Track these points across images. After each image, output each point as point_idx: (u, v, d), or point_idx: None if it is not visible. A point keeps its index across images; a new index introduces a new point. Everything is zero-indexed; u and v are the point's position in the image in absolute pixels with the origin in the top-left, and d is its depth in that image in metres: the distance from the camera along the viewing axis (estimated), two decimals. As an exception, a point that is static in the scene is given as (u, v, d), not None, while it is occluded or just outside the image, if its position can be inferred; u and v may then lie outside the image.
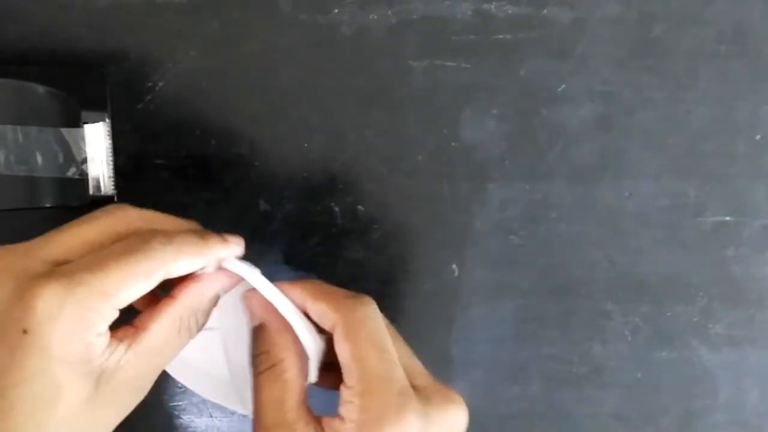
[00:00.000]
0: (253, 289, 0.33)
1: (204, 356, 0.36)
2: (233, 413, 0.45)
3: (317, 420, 0.31)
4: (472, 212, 0.44)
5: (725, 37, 0.43)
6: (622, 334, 0.46)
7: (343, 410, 0.30)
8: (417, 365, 0.33)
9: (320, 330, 0.33)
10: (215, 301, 0.33)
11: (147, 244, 0.29)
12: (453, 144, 0.44)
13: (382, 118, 0.43)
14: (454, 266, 0.45)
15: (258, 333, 0.33)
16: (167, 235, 0.30)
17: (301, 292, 0.33)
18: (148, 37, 0.42)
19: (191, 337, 0.32)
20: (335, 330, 0.32)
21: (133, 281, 0.28)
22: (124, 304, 0.29)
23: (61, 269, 0.28)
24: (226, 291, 0.33)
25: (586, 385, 0.46)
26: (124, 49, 0.42)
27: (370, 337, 0.31)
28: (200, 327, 0.32)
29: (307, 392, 0.33)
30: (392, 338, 0.32)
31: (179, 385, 0.44)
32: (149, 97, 0.42)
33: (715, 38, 0.43)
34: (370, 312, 0.32)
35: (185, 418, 0.45)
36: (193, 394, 0.44)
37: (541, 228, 0.44)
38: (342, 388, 0.31)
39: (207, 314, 0.33)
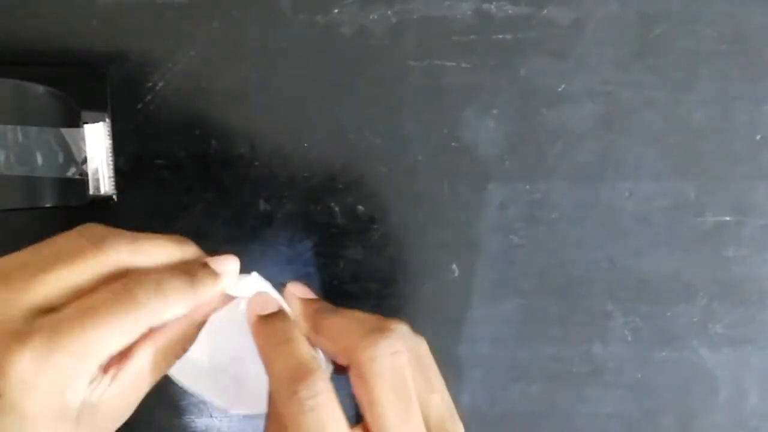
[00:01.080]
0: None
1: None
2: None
3: None
4: (472, 212, 0.44)
5: (725, 37, 0.43)
6: (622, 334, 0.46)
7: None
8: (437, 403, 0.31)
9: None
10: (203, 324, 0.32)
11: (132, 298, 0.28)
12: (453, 144, 0.44)
13: (382, 118, 0.43)
14: (454, 266, 0.45)
15: (274, 315, 0.33)
16: (156, 284, 0.29)
17: (306, 321, 0.32)
18: (148, 37, 0.42)
19: (179, 358, 0.31)
20: (350, 368, 0.30)
21: (115, 339, 0.28)
22: (105, 360, 0.28)
23: (37, 328, 0.27)
24: (216, 311, 0.32)
25: (586, 385, 0.46)
26: (124, 49, 0.42)
27: (385, 379, 0.29)
28: (187, 348, 0.32)
29: None
30: (417, 374, 0.30)
31: (179, 385, 0.44)
32: (149, 97, 0.42)
33: (715, 38, 0.43)
34: (388, 348, 0.29)
35: (185, 418, 0.45)
36: (193, 394, 0.44)
37: (541, 228, 0.44)
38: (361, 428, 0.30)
39: (194, 338, 0.32)
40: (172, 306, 0.29)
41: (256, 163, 0.43)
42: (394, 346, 0.30)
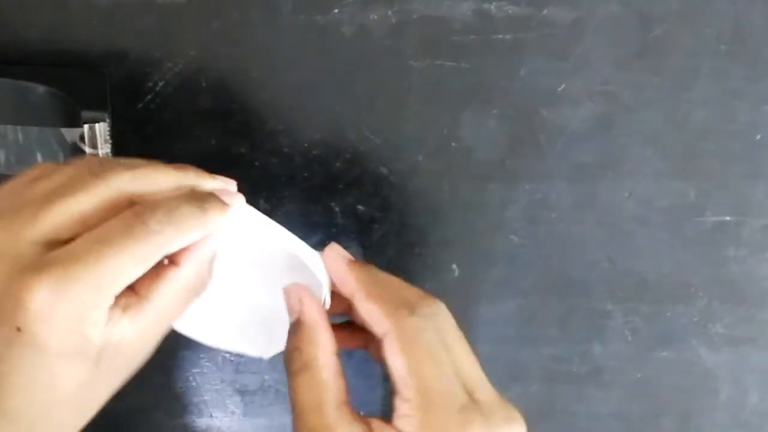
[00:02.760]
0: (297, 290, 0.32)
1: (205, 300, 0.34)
2: (233, 413, 0.45)
3: (363, 420, 0.30)
4: (472, 212, 0.44)
5: (725, 37, 0.43)
6: (622, 334, 0.46)
7: (400, 423, 0.29)
8: (478, 376, 0.31)
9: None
10: (214, 258, 0.31)
11: (144, 226, 0.27)
12: (453, 144, 0.44)
13: (382, 118, 0.43)
14: (454, 266, 0.45)
15: (294, 328, 0.32)
16: (166, 211, 0.28)
17: (355, 283, 0.32)
18: (148, 37, 0.42)
19: (197, 296, 0.31)
20: (387, 338, 0.30)
21: (131, 269, 0.27)
22: (121, 290, 0.27)
23: (52, 260, 0.26)
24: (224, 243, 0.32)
25: (586, 385, 0.46)
26: (124, 49, 0.42)
27: (426, 349, 0.30)
28: (206, 285, 0.31)
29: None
30: (454, 345, 0.31)
31: (179, 386, 0.44)
32: (149, 97, 0.42)
33: (715, 38, 0.43)
34: (428, 323, 0.30)
35: (185, 418, 0.45)
36: (193, 393, 0.44)
37: (541, 228, 0.44)
38: (398, 399, 0.30)
39: (210, 272, 0.31)
40: (184, 232, 0.29)
41: (256, 163, 0.43)
42: (433, 320, 0.31)
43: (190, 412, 0.45)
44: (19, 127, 0.39)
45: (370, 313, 0.31)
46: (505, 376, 0.46)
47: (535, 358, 0.46)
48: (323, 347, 0.31)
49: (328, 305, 0.32)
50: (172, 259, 0.30)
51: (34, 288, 0.26)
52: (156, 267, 0.29)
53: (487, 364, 0.46)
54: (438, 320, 0.31)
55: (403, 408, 0.29)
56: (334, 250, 0.33)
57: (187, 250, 0.30)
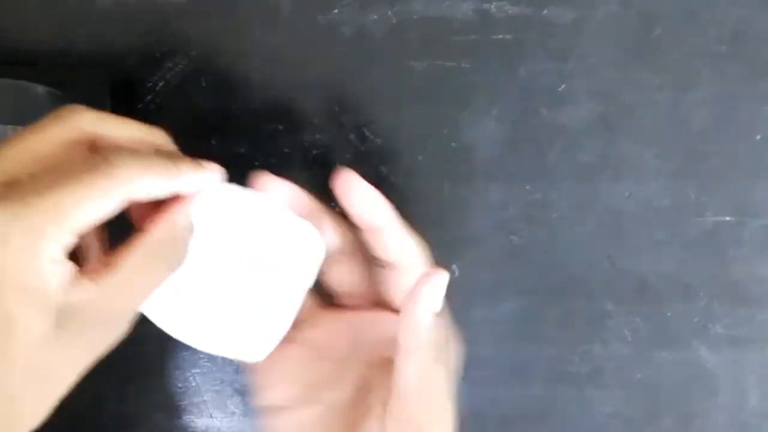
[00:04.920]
0: None
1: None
2: (233, 413, 0.45)
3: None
4: (472, 212, 0.44)
5: (725, 37, 0.43)
6: (622, 334, 0.46)
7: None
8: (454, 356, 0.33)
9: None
10: (191, 228, 0.30)
11: (107, 163, 0.26)
12: (453, 144, 0.44)
13: (382, 118, 0.43)
14: (454, 266, 0.45)
15: None
16: (132, 152, 0.27)
17: (388, 211, 0.32)
18: (148, 37, 0.42)
19: (171, 270, 0.29)
20: (414, 270, 0.32)
21: (88, 202, 0.25)
22: (80, 227, 0.26)
23: (8, 191, 0.25)
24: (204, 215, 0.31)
25: (586, 385, 0.46)
26: (124, 49, 0.42)
27: (429, 330, 0.31)
28: (180, 258, 0.30)
29: None
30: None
31: (179, 386, 0.44)
32: (149, 97, 0.42)
33: (715, 38, 0.43)
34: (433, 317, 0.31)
35: (185, 418, 0.45)
36: (193, 394, 0.44)
37: (541, 228, 0.44)
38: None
39: (185, 243, 0.30)
40: (149, 175, 0.27)
41: (256, 163, 0.43)
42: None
43: (190, 412, 0.45)
44: (19, 127, 0.39)
45: (405, 243, 0.32)
46: (505, 376, 0.46)
47: (535, 358, 0.46)
48: None
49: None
50: (143, 227, 0.29)
51: None
52: (131, 237, 0.28)
53: (487, 364, 0.46)
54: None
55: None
56: (350, 174, 0.32)
57: (158, 217, 0.29)
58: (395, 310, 0.33)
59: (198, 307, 0.31)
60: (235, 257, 0.31)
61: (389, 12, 0.42)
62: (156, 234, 0.29)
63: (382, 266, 0.33)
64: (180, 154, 0.30)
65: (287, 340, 0.34)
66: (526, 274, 0.45)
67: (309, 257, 0.33)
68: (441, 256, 0.45)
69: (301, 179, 0.43)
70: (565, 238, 0.45)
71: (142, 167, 0.27)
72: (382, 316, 0.35)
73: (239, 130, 0.43)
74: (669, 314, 0.45)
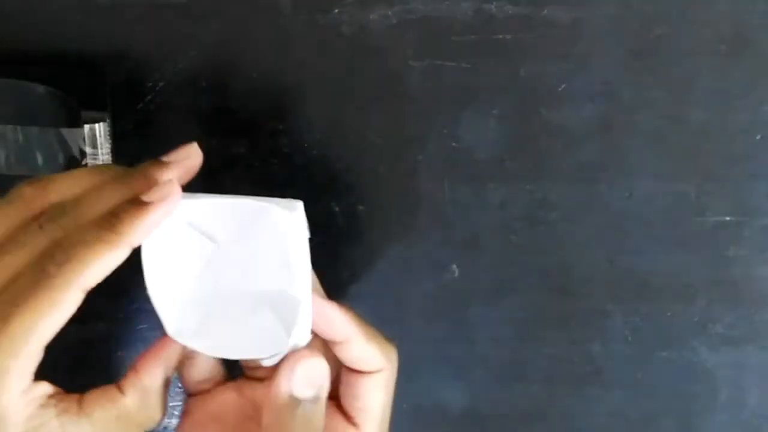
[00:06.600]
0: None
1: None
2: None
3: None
4: (472, 212, 0.44)
5: (725, 37, 0.43)
6: (622, 334, 0.46)
7: None
8: None
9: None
10: (168, 382, 0.30)
11: (42, 273, 0.26)
12: (453, 144, 0.44)
13: (382, 118, 0.43)
14: (454, 266, 0.45)
15: None
16: (63, 248, 0.26)
17: (355, 326, 0.32)
18: (148, 37, 0.42)
19: (143, 430, 0.30)
20: (377, 375, 0.32)
21: (41, 321, 0.25)
22: (42, 344, 0.26)
23: None
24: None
25: (586, 385, 0.46)
26: (124, 49, 0.42)
27: (389, 397, 0.33)
28: (153, 422, 0.30)
29: None
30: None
31: (179, 385, 0.44)
32: (149, 97, 0.42)
33: (715, 38, 0.43)
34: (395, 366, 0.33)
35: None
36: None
37: (541, 228, 0.44)
38: (343, 423, 0.32)
39: (163, 406, 0.30)
40: (91, 266, 0.26)
41: (256, 163, 0.43)
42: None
43: (190, 412, 0.45)
44: (19, 127, 0.39)
45: (369, 354, 0.32)
46: (505, 376, 0.46)
47: (535, 358, 0.46)
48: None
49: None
50: (120, 385, 0.29)
51: None
52: (106, 389, 0.29)
53: (487, 364, 0.46)
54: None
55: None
56: (318, 298, 0.32)
57: (133, 377, 0.29)
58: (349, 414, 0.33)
59: (223, 319, 0.31)
60: (234, 257, 0.31)
61: (389, 12, 0.42)
62: (128, 398, 0.29)
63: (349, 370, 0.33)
64: (124, 206, 0.28)
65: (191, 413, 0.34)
66: (526, 274, 0.45)
67: (294, 230, 0.32)
68: (441, 256, 0.45)
69: (301, 179, 0.44)
70: (565, 238, 0.45)
71: (79, 262, 0.26)
72: None
73: (239, 130, 0.43)
74: (669, 314, 0.45)
